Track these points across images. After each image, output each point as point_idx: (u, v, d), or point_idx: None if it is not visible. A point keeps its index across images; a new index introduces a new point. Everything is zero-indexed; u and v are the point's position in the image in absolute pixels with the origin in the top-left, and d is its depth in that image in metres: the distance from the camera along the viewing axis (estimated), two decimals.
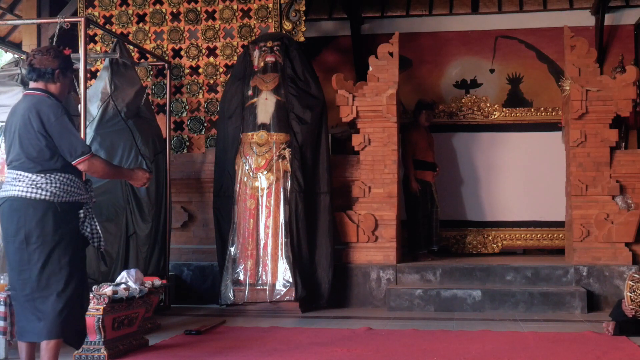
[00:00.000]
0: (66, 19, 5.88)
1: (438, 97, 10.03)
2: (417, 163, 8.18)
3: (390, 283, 7.37)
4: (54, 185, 3.92)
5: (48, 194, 3.90)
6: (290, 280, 6.89)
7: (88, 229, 4.07)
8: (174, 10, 8.37)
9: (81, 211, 4.05)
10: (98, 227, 4.12)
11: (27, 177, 3.91)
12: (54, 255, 3.88)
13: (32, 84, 4.10)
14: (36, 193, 3.89)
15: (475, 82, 10.22)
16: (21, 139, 3.93)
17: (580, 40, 7.47)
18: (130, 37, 8.34)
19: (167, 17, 8.39)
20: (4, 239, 3.99)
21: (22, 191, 3.89)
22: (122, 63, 7.09)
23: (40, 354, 3.90)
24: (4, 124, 6.06)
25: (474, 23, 10.32)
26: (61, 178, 3.96)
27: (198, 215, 7.93)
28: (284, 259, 6.96)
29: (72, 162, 3.95)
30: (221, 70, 8.27)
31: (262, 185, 7.11)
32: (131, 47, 7.61)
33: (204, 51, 8.31)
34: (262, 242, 7.05)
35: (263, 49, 7.37)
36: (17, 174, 3.94)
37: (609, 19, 9.93)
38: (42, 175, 3.92)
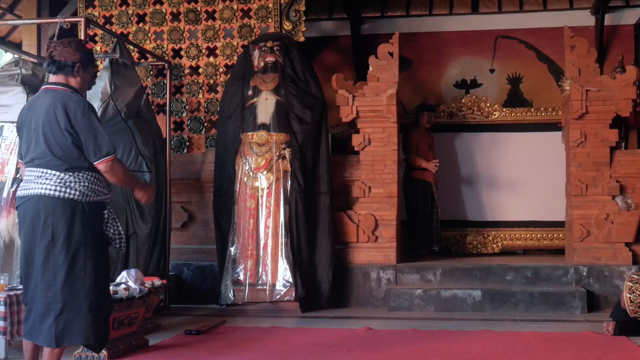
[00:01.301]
0: (66, 19, 5.87)
1: (438, 97, 10.02)
2: None
3: (390, 283, 7.37)
4: (82, 184, 3.85)
5: (77, 193, 3.83)
6: (290, 280, 6.89)
7: (111, 230, 4.01)
8: (174, 10, 8.37)
9: (105, 211, 3.99)
10: (120, 228, 4.07)
11: (54, 175, 3.82)
12: (80, 258, 3.80)
13: (51, 78, 3.98)
14: (65, 192, 3.80)
15: (475, 82, 10.22)
16: (46, 136, 3.83)
17: (580, 40, 7.46)
18: (130, 37, 8.34)
19: (167, 17, 8.39)
20: (27, 238, 3.88)
21: (50, 189, 3.80)
22: (122, 63, 7.09)
23: (43, 357, 3.86)
24: (3, 124, 6.10)
25: (474, 23, 10.32)
26: (89, 177, 3.89)
27: (198, 215, 7.93)
28: (284, 259, 6.96)
29: (95, 162, 3.85)
30: (221, 70, 8.27)
31: (262, 185, 7.11)
32: (131, 47, 7.61)
33: (204, 51, 8.31)
34: (262, 242, 7.05)
35: (263, 49, 7.37)
36: (42, 172, 3.83)
37: (609, 19, 9.93)
38: (71, 173, 3.83)
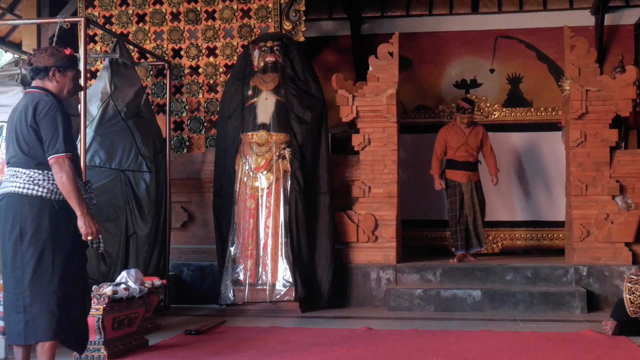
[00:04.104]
0: (66, 19, 5.88)
1: (438, 97, 10.04)
2: (448, 162, 8.03)
3: (390, 283, 7.37)
4: (51, 182, 3.89)
5: (44, 190, 3.88)
6: (290, 280, 6.89)
7: None
8: (174, 10, 8.37)
9: None
10: (97, 227, 4.05)
11: (24, 173, 3.89)
12: (47, 254, 3.83)
13: (32, 83, 4.11)
14: (32, 189, 3.86)
15: (475, 82, 10.22)
16: (17, 135, 3.93)
17: (580, 40, 7.47)
18: (130, 37, 8.34)
19: (167, 17, 8.39)
20: (0, 236, 3.95)
21: (19, 187, 3.87)
22: (122, 63, 7.10)
23: (37, 356, 3.87)
24: (3, 124, 6.11)
25: (474, 23, 10.32)
26: None
27: (198, 215, 7.93)
28: (284, 258, 6.96)
29: (48, 157, 3.86)
30: (221, 70, 8.27)
31: (262, 185, 7.11)
32: (131, 47, 7.61)
33: (203, 51, 8.31)
34: (262, 242, 7.06)
35: (263, 48, 7.37)
36: (15, 171, 3.92)
37: (608, 19, 9.93)
38: (40, 171, 3.89)
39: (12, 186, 3.89)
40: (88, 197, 4.04)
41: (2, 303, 4.69)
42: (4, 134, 6.10)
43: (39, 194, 3.87)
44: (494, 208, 8.87)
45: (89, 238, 3.92)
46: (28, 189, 3.87)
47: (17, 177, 3.90)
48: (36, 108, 3.90)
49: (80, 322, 4.03)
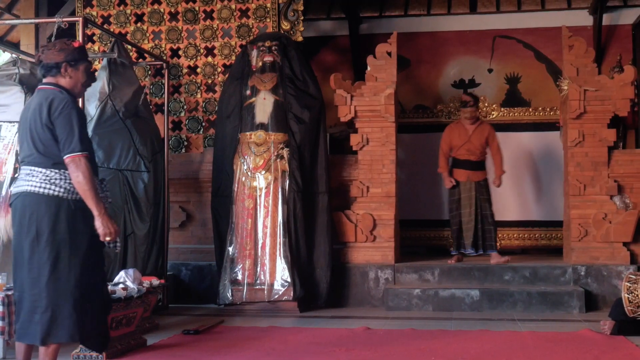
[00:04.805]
0: (64, 19, 5.88)
1: (436, 97, 10.04)
2: (452, 161, 7.88)
3: (388, 283, 7.37)
4: (67, 181, 3.83)
5: (62, 190, 3.82)
6: (289, 279, 6.89)
7: None
8: (172, 10, 8.37)
9: None
10: (116, 227, 4.03)
11: (40, 172, 3.83)
12: (64, 255, 3.79)
13: (44, 79, 4.03)
14: (49, 189, 3.80)
15: (474, 81, 10.22)
16: (32, 133, 3.86)
17: (578, 40, 7.47)
18: (129, 36, 8.34)
19: (165, 16, 8.39)
20: (15, 235, 3.90)
21: (35, 186, 3.81)
22: (120, 63, 7.09)
23: (39, 357, 3.86)
24: (1, 123, 6.12)
25: (472, 23, 10.32)
26: None
27: (196, 215, 7.93)
28: (282, 258, 6.96)
29: (63, 157, 3.81)
30: (219, 70, 8.27)
31: (261, 185, 7.11)
32: (129, 46, 7.61)
33: (202, 51, 8.31)
34: (260, 242, 7.05)
35: (261, 48, 7.37)
36: (30, 170, 3.86)
37: (607, 19, 9.93)
38: (57, 170, 3.84)
39: (28, 185, 3.83)
40: (104, 196, 4.00)
41: (1, 303, 4.71)
42: (2, 133, 6.11)
43: (56, 193, 3.82)
44: (493, 208, 8.86)
45: (107, 239, 3.88)
46: (45, 188, 3.81)
47: (33, 175, 3.84)
48: (50, 106, 3.84)
49: (99, 322, 3.99)
